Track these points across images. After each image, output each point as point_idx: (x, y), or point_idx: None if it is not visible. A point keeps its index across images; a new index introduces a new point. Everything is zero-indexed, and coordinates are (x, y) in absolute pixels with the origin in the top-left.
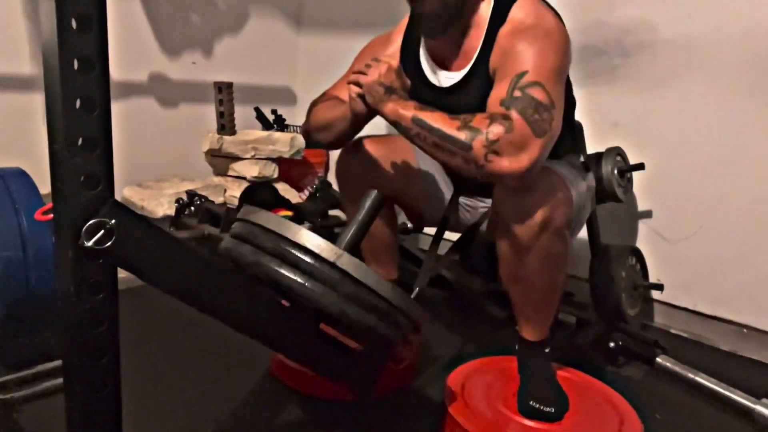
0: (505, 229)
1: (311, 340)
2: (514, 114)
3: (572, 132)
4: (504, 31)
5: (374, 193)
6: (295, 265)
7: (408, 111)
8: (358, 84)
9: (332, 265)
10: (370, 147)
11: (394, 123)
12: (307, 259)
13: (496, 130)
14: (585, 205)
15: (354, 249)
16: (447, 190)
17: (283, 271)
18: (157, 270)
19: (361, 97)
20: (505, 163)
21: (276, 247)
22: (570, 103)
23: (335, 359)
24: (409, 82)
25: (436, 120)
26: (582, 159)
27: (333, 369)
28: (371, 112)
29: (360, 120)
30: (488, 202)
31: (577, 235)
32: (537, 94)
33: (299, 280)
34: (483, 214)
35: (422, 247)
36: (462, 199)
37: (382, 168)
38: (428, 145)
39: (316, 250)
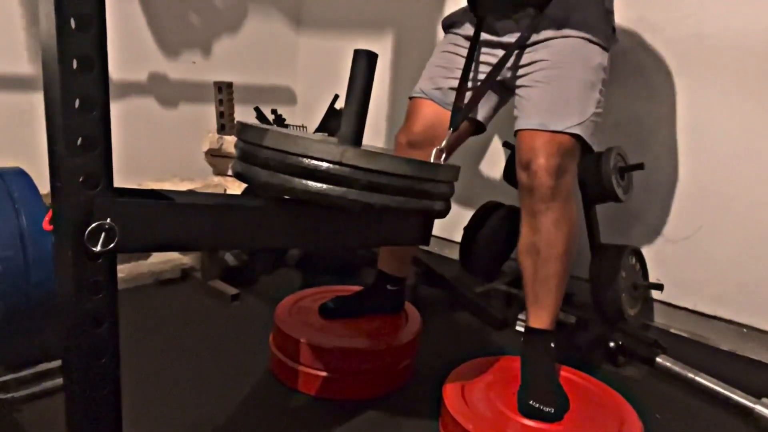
0: (526, 192)
1: (359, 224)
2: None
3: None
4: None
5: (364, 53)
6: (307, 175)
7: None
8: None
9: (340, 163)
10: (411, 130)
11: None
12: (315, 165)
13: None
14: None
15: (358, 133)
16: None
17: (296, 184)
18: (173, 241)
19: None
20: None
21: (283, 161)
22: None
23: (384, 228)
24: None
25: None
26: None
27: (388, 237)
28: None
29: None
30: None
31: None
32: None
33: (315, 187)
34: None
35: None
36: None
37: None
38: None
39: (320, 155)
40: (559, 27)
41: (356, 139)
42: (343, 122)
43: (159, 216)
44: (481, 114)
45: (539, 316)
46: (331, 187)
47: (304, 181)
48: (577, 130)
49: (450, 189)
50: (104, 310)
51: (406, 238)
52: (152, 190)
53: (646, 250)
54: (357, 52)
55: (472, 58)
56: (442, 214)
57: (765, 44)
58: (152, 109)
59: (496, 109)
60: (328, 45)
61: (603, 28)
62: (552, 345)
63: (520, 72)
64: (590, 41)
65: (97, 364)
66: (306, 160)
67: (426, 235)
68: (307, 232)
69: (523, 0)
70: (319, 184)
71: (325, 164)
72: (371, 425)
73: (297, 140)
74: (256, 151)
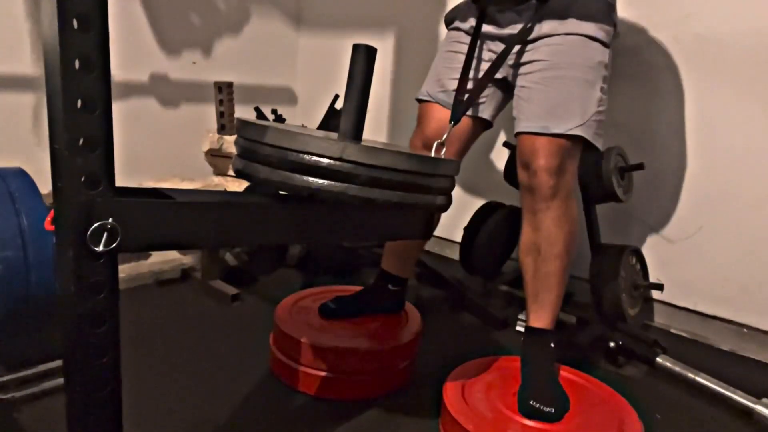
0: (527, 191)
1: (360, 219)
2: None
3: None
4: None
5: (363, 47)
6: (308, 172)
7: None
8: None
9: (340, 159)
10: (424, 134)
11: None
12: (316, 161)
13: None
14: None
15: (358, 128)
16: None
17: (296, 180)
18: (174, 239)
19: None
20: None
21: (283, 158)
22: None
23: (386, 224)
24: None
25: None
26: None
27: (390, 232)
28: None
29: None
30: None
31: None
32: None
33: (317, 183)
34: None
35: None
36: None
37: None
38: None
39: (321, 151)
40: (561, 19)
41: (356, 134)
42: (343, 118)
43: (160, 215)
44: (487, 112)
45: (539, 316)
46: (332, 183)
47: (304, 178)
48: (578, 132)
49: (450, 183)
50: (105, 310)
51: (407, 233)
52: (153, 189)
53: (646, 250)
54: (356, 47)
55: (473, 52)
56: (443, 208)
57: (764, 44)
58: (153, 109)
59: (500, 106)
60: (328, 45)
61: (604, 23)
62: (552, 345)
63: (521, 71)
64: (591, 38)
65: (97, 364)
66: (307, 157)
67: (428, 230)
68: (308, 227)
69: None
70: (320, 180)
71: (325, 160)
72: (371, 425)
73: (297, 136)
74: (257, 147)
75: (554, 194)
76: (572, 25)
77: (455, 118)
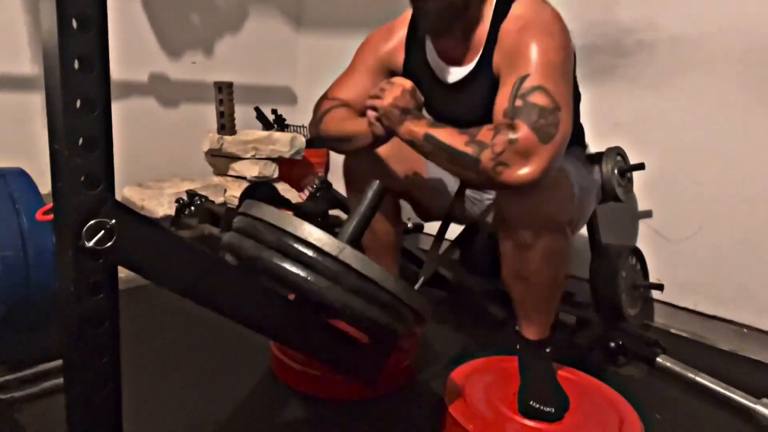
0: (508, 227)
1: (315, 333)
2: (518, 123)
3: (577, 126)
4: (505, 27)
5: (376, 184)
6: (298, 260)
7: (421, 129)
8: (374, 108)
9: (335, 258)
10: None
11: (409, 142)
12: (310, 252)
13: (501, 141)
14: (589, 200)
15: (356, 241)
16: (454, 182)
17: (285, 265)
18: (158, 268)
19: (379, 120)
20: (515, 173)
21: (278, 241)
22: (576, 98)
23: (339, 351)
24: (422, 99)
25: (447, 136)
26: (588, 152)
27: (337, 360)
28: (390, 133)
29: (381, 141)
30: (494, 194)
31: (580, 230)
32: (539, 99)
33: (302, 274)
34: (489, 206)
35: (423, 246)
36: (468, 192)
37: (389, 164)
38: (442, 161)
39: (318, 244)
40: None
41: (354, 241)
42: (346, 223)
43: (155, 225)
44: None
45: (532, 330)
46: (319, 277)
47: (293, 266)
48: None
49: (418, 320)
50: (104, 310)
51: (357, 364)
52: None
53: (646, 250)
54: (370, 184)
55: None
56: (396, 336)
57: (764, 44)
58: (153, 109)
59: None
60: (328, 45)
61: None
62: (548, 350)
63: None
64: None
65: (97, 364)
66: (303, 248)
67: (377, 372)
68: (273, 316)
69: None
70: (306, 272)
71: (320, 256)
72: (371, 425)
73: (298, 225)
74: (255, 225)
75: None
76: None
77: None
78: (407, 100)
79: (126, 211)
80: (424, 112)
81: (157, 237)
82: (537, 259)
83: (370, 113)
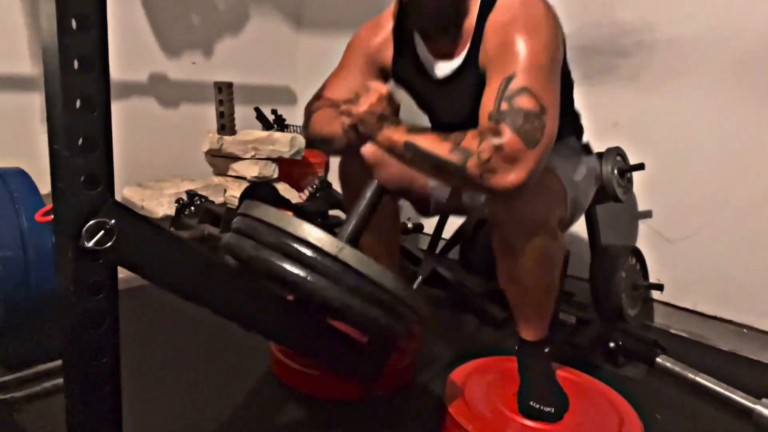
0: (500, 232)
1: (314, 334)
2: (503, 127)
3: (571, 115)
4: (492, 19)
5: (374, 183)
6: (297, 259)
7: (401, 137)
8: (350, 114)
9: (334, 258)
10: (372, 146)
11: (389, 150)
12: (309, 252)
13: (487, 147)
14: (585, 191)
15: (355, 241)
16: None
17: (284, 265)
18: (158, 268)
19: (354, 127)
20: (501, 179)
21: (277, 241)
22: (568, 86)
23: (338, 352)
24: (399, 103)
25: (428, 144)
26: (584, 140)
27: (336, 361)
28: (365, 140)
29: (357, 145)
30: None
31: (577, 221)
32: (525, 103)
33: (301, 274)
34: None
35: (422, 246)
36: None
37: (385, 165)
38: (425, 169)
39: (318, 244)
40: None
41: (353, 241)
42: (345, 224)
43: (154, 225)
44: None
45: (530, 332)
46: (318, 277)
47: (292, 265)
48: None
49: (416, 319)
50: (104, 310)
51: (354, 368)
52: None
53: (646, 250)
54: (370, 182)
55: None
56: (396, 339)
57: (763, 44)
58: (153, 109)
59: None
60: (328, 45)
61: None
62: (546, 350)
63: None
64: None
65: (97, 364)
66: (302, 248)
67: (378, 371)
68: (271, 317)
69: None
70: (307, 272)
71: (319, 255)
72: (371, 425)
73: (297, 224)
74: (255, 225)
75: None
76: None
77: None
78: (383, 107)
79: (126, 211)
80: (414, 107)
81: (157, 237)
82: (529, 262)
83: (344, 120)
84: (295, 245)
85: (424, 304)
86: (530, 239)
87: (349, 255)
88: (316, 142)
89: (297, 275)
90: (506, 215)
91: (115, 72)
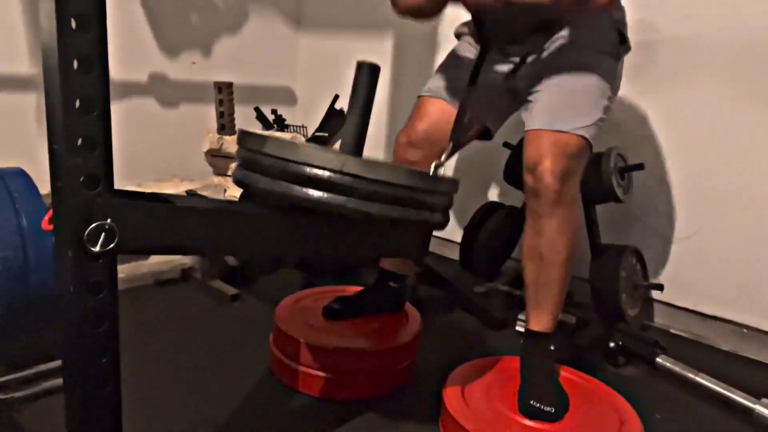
0: (531, 201)
1: (357, 234)
2: None
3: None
4: None
5: (367, 66)
6: (308, 183)
7: None
8: None
9: (340, 172)
10: (413, 129)
11: None
12: (316, 173)
13: None
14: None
15: (359, 143)
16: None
17: (297, 192)
18: (166, 243)
19: None
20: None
21: (285, 169)
22: None
23: (385, 240)
24: None
25: None
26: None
27: (386, 248)
28: None
29: None
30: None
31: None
32: None
33: (316, 195)
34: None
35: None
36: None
37: (424, 144)
38: None
39: (321, 163)
40: (570, 43)
41: (357, 149)
42: (345, 132)
43: (159, 217)
44: (490, 121)
45: (540, 320)
46: (331, 195)
47: (304, 189)
48: (582, 132)
49: (449, 201)
50: (104, 310)
51: (404, 250)
52: (152, 194)
53: (646, 250)
54: (360, 65)
55: (477, 76)
56: (441, 225)
57: (763, 44)
58: (152, 109)
59: (505, 118)
60: (328, 45)
61: (612, 40)
62: (552, 348)
63: (532, 82)
64: (601, 51)
65: (97, 364)
66: (307, 169)
67: (424, 249)
68: (304, 241)
69: (529, 29)
70: (319, 193)
71: (326, 173)
72: (371, 425)
73: (298, 148)
74: (258, 158)
75: (559, 200)
76: (582, 45)
77: (455, 140)
78: None
79: (126, 210)
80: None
81: (159, 219)
82: (553, 228)
83: None
84: (302, 170)
85: (449, 182)
86: (558, 203)
87: (354, 165)
88: (407, 14)
89: (311, 198)
90: (537, 185)
91: (115, 72)
